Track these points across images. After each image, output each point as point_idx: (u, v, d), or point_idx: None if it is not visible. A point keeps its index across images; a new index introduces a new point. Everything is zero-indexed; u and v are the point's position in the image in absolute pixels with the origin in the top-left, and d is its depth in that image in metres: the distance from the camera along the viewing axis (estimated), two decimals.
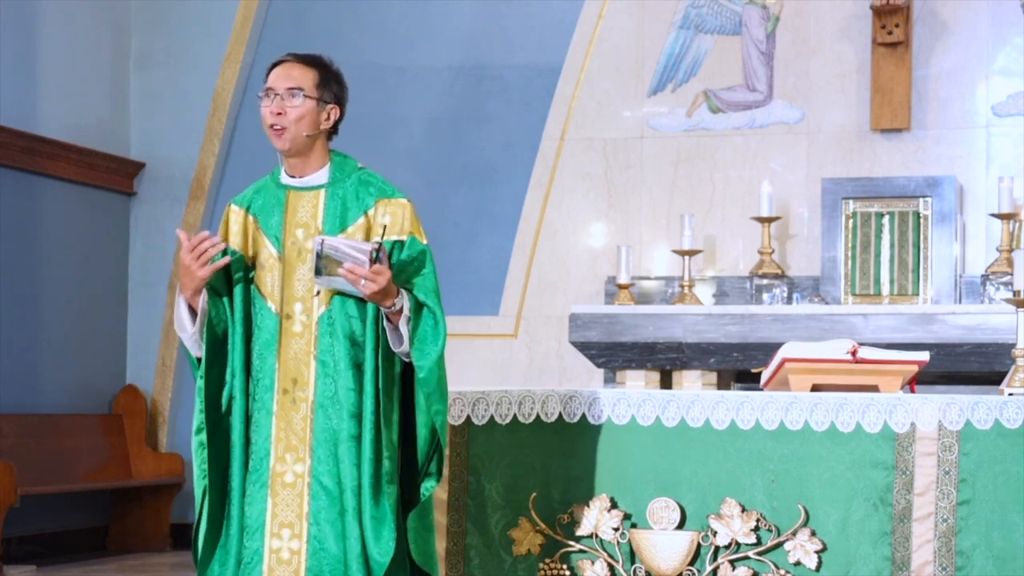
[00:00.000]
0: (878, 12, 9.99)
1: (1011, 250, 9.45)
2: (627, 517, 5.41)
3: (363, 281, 4.56)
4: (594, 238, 10.68)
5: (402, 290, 4.67)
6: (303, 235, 4.76)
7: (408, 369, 4.74)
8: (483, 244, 10.84)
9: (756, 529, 5.31)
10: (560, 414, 5.46)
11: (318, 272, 4.60)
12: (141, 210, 11.51)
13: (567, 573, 5.44)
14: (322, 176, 4.82)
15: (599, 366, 9.82)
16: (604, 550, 5.41)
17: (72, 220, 10.91)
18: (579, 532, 5.43)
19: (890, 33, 9.98)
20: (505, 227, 10.79)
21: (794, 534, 5.29)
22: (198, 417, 4.78)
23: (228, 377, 4.79)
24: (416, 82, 11.02)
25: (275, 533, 4.71)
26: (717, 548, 5.34)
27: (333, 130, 4.84)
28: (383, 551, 4.65)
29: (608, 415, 5.43)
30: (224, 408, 4.80)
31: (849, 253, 9.81)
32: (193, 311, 4.75)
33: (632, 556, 5.40)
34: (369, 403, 4.69)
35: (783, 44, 10.44)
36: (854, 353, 5.67)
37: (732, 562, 5.33)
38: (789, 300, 9.93)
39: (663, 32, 10.62)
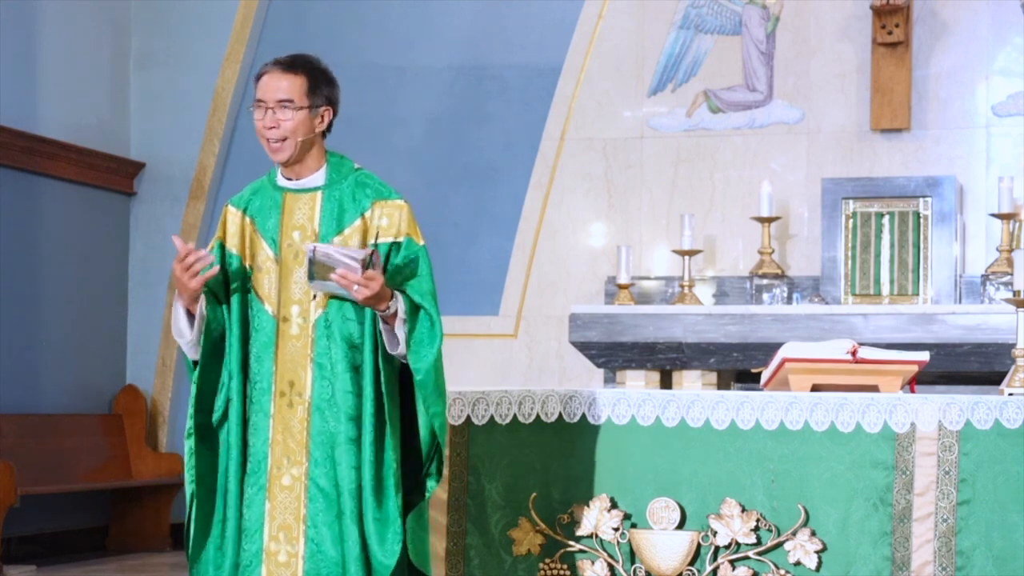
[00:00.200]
0: (878, 12, 9.99)
1: (1011, 250, 9.44)
2: (627, 517, 5.41)
3: (356, 287, 4.56)
4: (594, 238, 10.68)
5: (396, 293, 4.67)
6: (300, 237, 4.75)
7: (407, 371, 4.74)
8: (483, 244, 10.84)
9: (756, 529, 5.31)
10: (560, 414, 5.46)
11: (311, 277, 4.60)
12: (141, 210, 11.51)
13: (567, 573, 5.44)
14: (319, 178, 4.81)
15: (599, 366, 9.82)
16: (604, 550, 5.41)
17: (72, 220, 10.91)
18: (579, 532, 5.43)
19: (890, 33, 9.98)
20: (505, 227, 10.79)
21: (794, 534, 5.29)
22: (189, 421, 4.78)
23: (225, 379, 4.79)
24: (416, 82, 11.02)
25: (273, 536, 4.71)
26: (717, 548, 5.34)
27: (328, 128, 4.84)
28: (388, 553, 4.65)
29: (608, 415, 5.43)
30: (219, 412, 4.79)
31: (849, 253, 9.80)
32: (191, 316, 4.74)
33: (632, 556, 5.40)
34: (368, 406, 4.69)
35: (783, 44, 10.44)
36: (854, 353, 5.67)
37: (732, 562, 5.33)
38: (789, 300, 9.93)
39: (663, 32, 10.62)
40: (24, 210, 10.45)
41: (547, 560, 5.46)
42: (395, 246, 4.74)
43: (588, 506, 5.42)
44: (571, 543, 5.44)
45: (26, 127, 10.42)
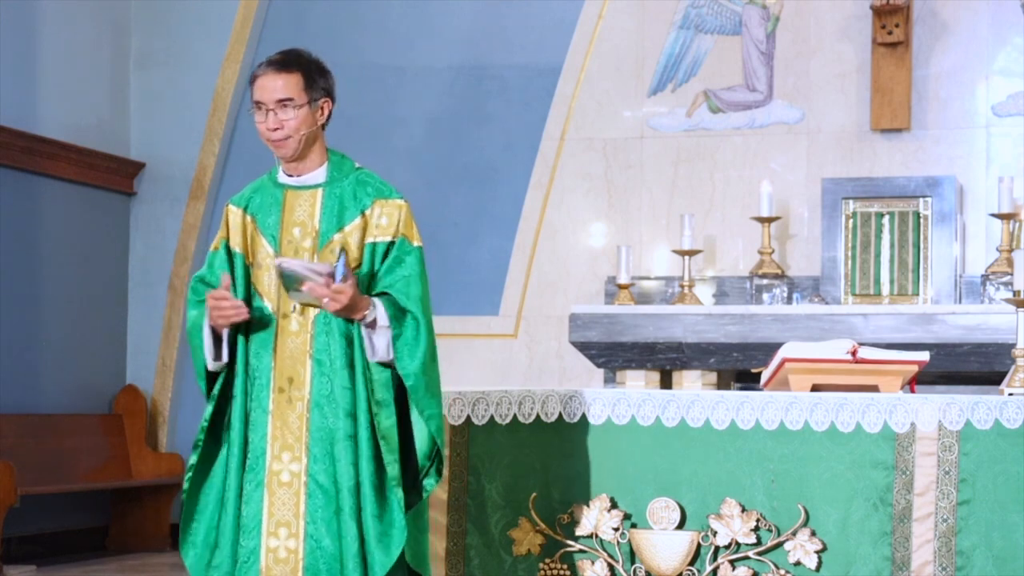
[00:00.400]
0: (878, 12, 9.99)
1: (1011, 250, 9.44)
2: (627, 517, 5.41)
3: (326, 300, 4.58)
4: (594, 238, 10.68)
5: (375, 301, 4.67)
6: (299, 233, 4.76)
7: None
8: (483, 244, 10.84)
9: (756, 529, 5.31)
10: (560, 414, 5.46)
11: (286, 289, 4.63)
12: (141, 210, 11.51)
13: (567, 573, 5.44)
14: (320, 175, 4.82)
15: (599, 366, 9.82)
16: (604, 550, 5.41)
17: (72, 220, 10.91)
18: (579, 532, 5.43)
19: (890, 33, 9.97)
20: (505, 227, 10.79)
21: (794, 534, 5.29)
22: (201, 436, 4.79)
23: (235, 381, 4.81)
24: (416, 82, 11.02)
25: (272, 532, 4.71)
26: (717, 548, 5.34)
27: (327, 118, 4.84)
28: (386, 551, 4.64)
29: (608, 415, 5.43)
30: (225, 420, 4.81)
31: (849, 253, 9.80)
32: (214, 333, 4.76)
33: (632, 556, 5.40)
34: (362, 402, 4.70)
35: (783, 44, 10.44)
36: (854, 353, 5.67)
37: (732, 562, 5.33)
38: (789, 300, 9.93)
39: (663, 32, 10.62)
40: (24, 210, 10.45)
41: (547, 560, 5.46)
42: (390, 246, 4.74)
43: (588, 506, 5.42)
44: (571, 543, 5.44)
45: (26, 127, 10.42)
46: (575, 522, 5.43)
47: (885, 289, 9.73)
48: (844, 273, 9.80)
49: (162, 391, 11.36)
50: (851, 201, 9.82)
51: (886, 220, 9.77)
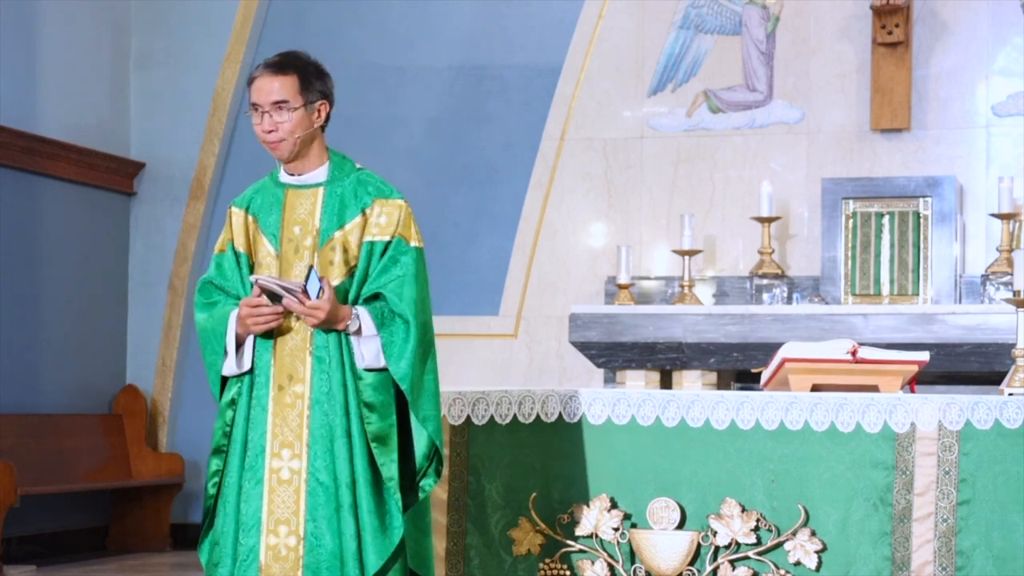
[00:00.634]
0: (878, 12, 9.99)
1: (1011, 250, 9.44)
2: (627, 517, 5.41)
3: (303, 316, 4.62)
4: (594, 238, 10.68)
5: (358, 310, 4.68)
6: (300, 232, 4.77)
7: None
8: (483, 244, 10.84)
9: (756, 529, 5.31)
10: (560, 414, 5.46)
11: (272, 303, 4.67)
12: (141, 210, 11.51)
13: (567, 573, 5.44)
14: (321, 174, 4.83)
15: (599, 366, 9.82)
16: (604, 550, 5.41)
17: (72, 220, 10.91)
18: (579, 532, 5.43)
19: (890, 33, 9.97)
20: (505, 227, 10.79)
21: (794, 534, 5.29)
22: (221, 441, 4.80)
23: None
24: (416, 82, 11.02)
25: (272, 530, 4.71)
26: (717, 548, 5.34)
27: (326, 121, 4.84)
28: (383, 548, 4.65)
29: (608, 415, 5.44)
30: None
31: (849, 253, 9.80)
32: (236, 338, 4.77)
33: (632, 556, 5.40)
34: (357, 400, 4.71)
35: (783, 44, 10.44)
36: (854, 353, 5.67)
37: (732, 562, 5.33)
38: (789, 300, 9.93)
39: (663, 32, 10.62)
40: (24, 210, 10.45)
41: (547, 560, 5.46)
42: (387, 245, 4.75)
43: (588, 506, 5.42)
44: (571, 543, 5.44)
45: (26, 127, 10.42)
46: (575, 522, 5.43)
47: (885, 289, 9.73)
48: (844, 273, 9.80)
49: (162, 391, 11.36)
50: (851, 201, 9.82)
51: (886, 220, 9.77)
